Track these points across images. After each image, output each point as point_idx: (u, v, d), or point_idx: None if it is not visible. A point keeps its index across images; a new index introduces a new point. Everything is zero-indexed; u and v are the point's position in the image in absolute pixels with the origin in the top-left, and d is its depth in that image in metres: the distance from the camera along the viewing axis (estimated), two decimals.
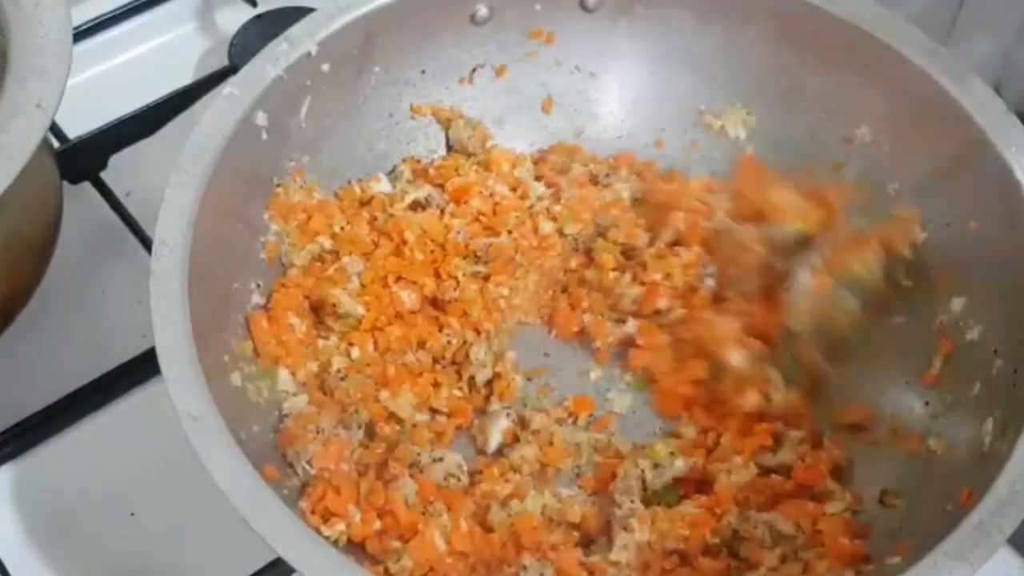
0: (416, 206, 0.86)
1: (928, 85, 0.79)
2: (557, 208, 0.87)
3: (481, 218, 0.86)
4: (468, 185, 0.86)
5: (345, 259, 0.82)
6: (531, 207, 0.88)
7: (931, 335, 0.78)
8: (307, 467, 0.73)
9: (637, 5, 0.90)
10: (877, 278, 0.80)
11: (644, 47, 0.92)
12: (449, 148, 0.92)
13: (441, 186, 0.88)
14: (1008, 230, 0.75)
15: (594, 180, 0.90)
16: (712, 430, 0.79)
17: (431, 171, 0.89)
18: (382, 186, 0.87)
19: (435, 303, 0.83)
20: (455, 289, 0.82)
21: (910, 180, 0.82)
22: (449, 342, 0.80)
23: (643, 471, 0.76)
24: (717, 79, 0.91)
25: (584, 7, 0.90)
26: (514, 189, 0.88)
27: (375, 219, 0.85)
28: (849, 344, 0.80)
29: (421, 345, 0.81)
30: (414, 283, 0.83)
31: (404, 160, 0.90)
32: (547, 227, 0.86)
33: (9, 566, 0.77)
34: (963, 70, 0.79)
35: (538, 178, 0.90)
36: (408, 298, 0.81)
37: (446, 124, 0.91)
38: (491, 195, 0.87)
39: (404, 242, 0.83)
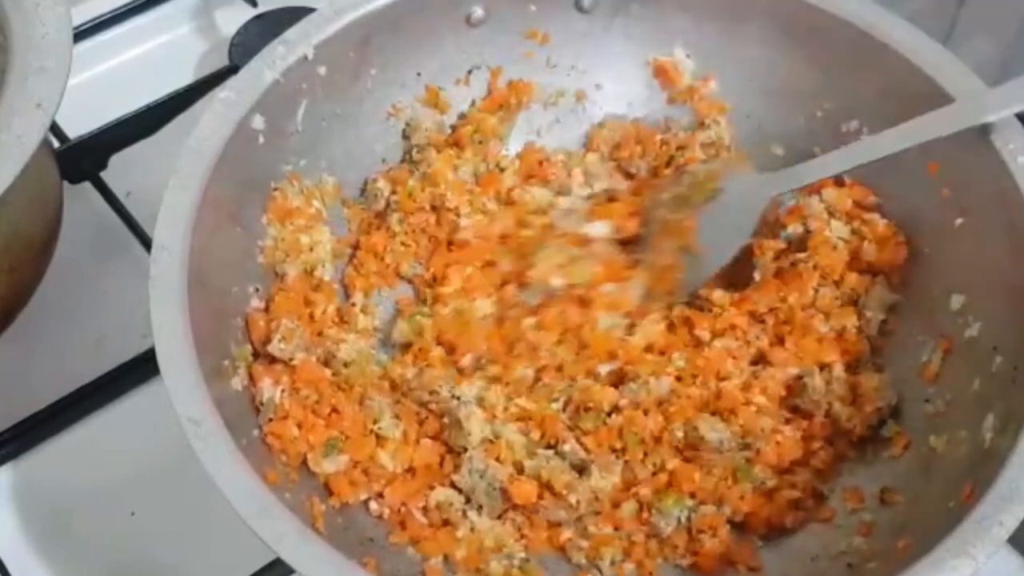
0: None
1: (927, 84, 0.79)
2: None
3: None
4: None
5: None
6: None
7: (930, 332, 0.79)
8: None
9: (633, 5, 0.90)
10: None
11: (640, 47, 0.92)
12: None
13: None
14: (1006, 227, 0.75)
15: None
16: None
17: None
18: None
19: None
20: None
21: (907, 177, 0.83)
22: None
23: None
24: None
25: (579, 8, 0.90)
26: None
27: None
28: None
29: None
30: None
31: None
32: None
33: (9, 566, 0.77)
34: (963, 70, 0.79)
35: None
36: None
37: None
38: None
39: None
